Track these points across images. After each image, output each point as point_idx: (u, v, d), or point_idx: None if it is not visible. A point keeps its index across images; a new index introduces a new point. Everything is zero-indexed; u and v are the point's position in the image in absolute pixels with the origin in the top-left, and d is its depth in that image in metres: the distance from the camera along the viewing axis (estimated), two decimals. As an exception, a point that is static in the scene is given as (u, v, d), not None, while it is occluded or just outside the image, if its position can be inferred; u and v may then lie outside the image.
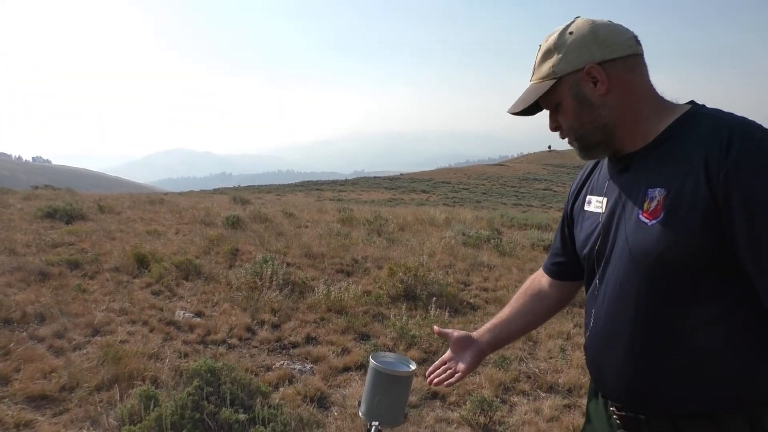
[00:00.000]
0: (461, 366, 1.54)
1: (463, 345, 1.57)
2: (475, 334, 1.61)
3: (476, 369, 1.62)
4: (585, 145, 1.30)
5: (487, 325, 1.62)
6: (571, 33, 1.24)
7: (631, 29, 1.26)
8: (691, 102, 1.26)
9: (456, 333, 1.59)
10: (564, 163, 68.59)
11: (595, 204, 1.35)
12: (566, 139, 1.33)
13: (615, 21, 1.26)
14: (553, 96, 1.27)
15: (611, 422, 1.31)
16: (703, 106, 1.24)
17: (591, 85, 1.23)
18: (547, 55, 1.27)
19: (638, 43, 1.24)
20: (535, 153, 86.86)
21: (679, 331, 1.16)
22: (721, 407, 1.14)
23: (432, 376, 1.59)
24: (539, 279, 1.65)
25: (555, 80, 1.25)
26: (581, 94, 1.24)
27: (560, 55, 1.24)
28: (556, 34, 1.26)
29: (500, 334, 1.61)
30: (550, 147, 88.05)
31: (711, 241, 1.11)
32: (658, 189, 1.17)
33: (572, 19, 1.28)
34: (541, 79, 1.28)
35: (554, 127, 1.32)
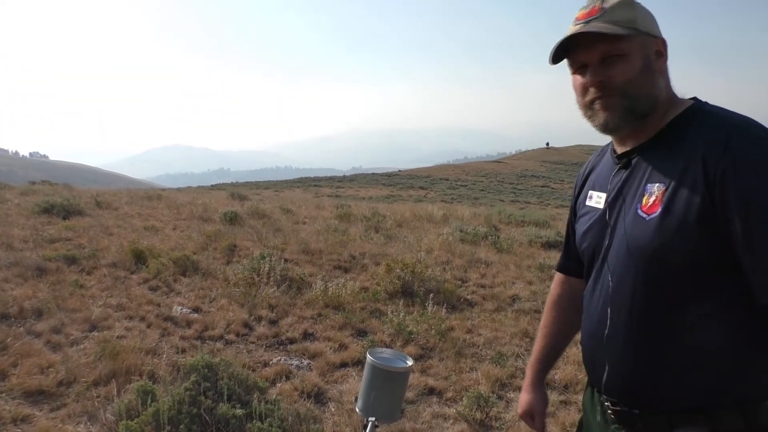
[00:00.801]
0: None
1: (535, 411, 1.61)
2: (532, 390, 1.62)
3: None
4: (632, 107, 1.22)
5: (537, 372, 1.63)
6: (634, 2, 1.24)
7: None
8: (694, 98, 1.27)
9: (539, 419, 1.61)
10: (562, 160, 68.56)
11: (596, 199, 1.36)
12: (598, 100, 1.24)
13: None
14: (620, 45, 1.20)
15: (606, 417, 1.31)
16: (705, 102, 1.25)
17: (654, 56, 1.23)
18: (627, 4, 1.22)
19: None
20: (533, 150, 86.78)
21: (676, 327, 1.16)
22: (717, 403, 1.14)
23: None
24: (565, 287, 1.61)
25: (635, 32, 1.20)
26: (650, 59, 1.22)
27: (640, 14, 1.22)
28: None
29: (550, 366, 1.66)
30: (548, 144, 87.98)
31: (707, 237, 1.11)
32: (657, 184, 1.17)
33: None
34: (618, 23, 1.19)
35: (597, 81, 1.22)
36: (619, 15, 1.20)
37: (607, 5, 1.21)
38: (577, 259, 1.52)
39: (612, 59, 1.21)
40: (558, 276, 1.64)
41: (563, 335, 1.61)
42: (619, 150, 1.31)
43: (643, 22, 1.21)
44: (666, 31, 1.27)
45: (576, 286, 1.55)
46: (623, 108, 1.22)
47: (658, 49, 1.23)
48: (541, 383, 1.62)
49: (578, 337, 1.47)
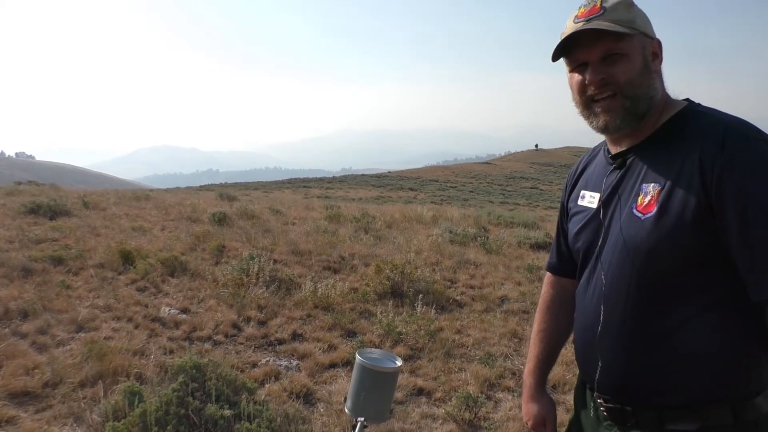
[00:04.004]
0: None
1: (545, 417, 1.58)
2: (538, 397, 1.58)
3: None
4: (633, 108, 1.22)
5: (538, 378, 1.60)
6: (633, 3, 1.25)
7: None
8: (687, 99, 1.28)
9: (542, 420, 1.57)
10: (551, 161, 68.94)
11: (589, 199, 1.36)
12: (599, 103, 1.24)
13: None
14: (622, 44, 1.21)
15: (598, 414, 1.32)
16: (699, 104, 1.26)
17: (650, 57, 1.24)
18: (627, 5, 1.23)
19: None
20: (522, 152, 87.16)
21: (669, 324, 1.17)
22: (707, 399, 1.16)
23: None
24: (550, 291, 1.61)
25: (636, 33, 1.21)
26: (648, 59, 1.24)
27: (638, 15, 1.24)
28: None
29: (550, 367, 1.62)
30: (537, 146, 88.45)
31: (702, 236, 1.12)
32: (653, 184, 1.18)
33: None
34: (620, 22, 1.20)
35: (599, 78, 1.22)
36: (621, 14, 1.21)
37: (608, 4, 1.22)
38: (567, 258, 1.51)
39: (613, 58, 1.22)
40: (548, 277, 1.63)
41: (559, 338, 1.60)
42: (614, 150, 1.32)
43: (642, 23, 1.23)
44: (659, 32, 1.28)
45: (567, 286, 1.54)
46: (624, 109, 1.23)
47: (654, 50, 1.25)
48: (545, 389, 1.60)
49: (571, 336, 1.47)
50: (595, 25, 1.20)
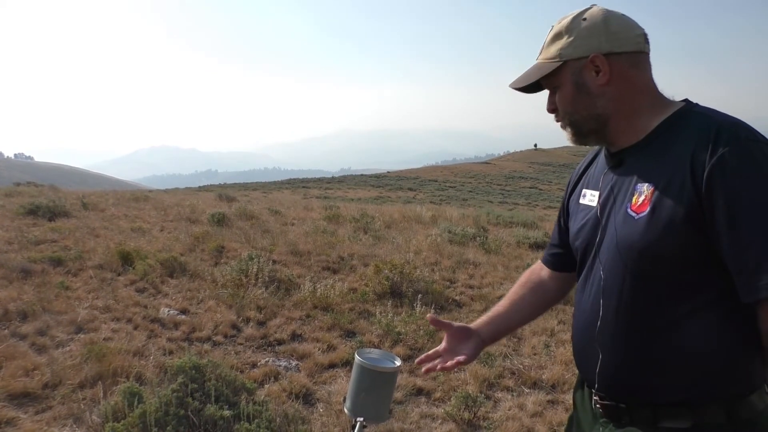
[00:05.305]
0: (461, 357, 1.48)
1: (461, 336, 1.53)
2: (473, 325, 1.56)
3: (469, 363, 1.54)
4: (577, 131, 1.33)
5: (486, 318, 1.58)
6: (584, 19, 1.26)
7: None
8: (686, 100, 1.29)
9: (455, 324, 1.54)
10: (550, 161, 68.98)
11: (590, 197, 1.38)
12: (559, 123, 1.35)
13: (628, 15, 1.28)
14: (555, 78, 1.29)
15: (594, 411, 1.34)
16: (696, 104, 1.26)
17: (593, 74, 1.25)
18: (557, 37, 1.29)
19: (647, 41, 1.27)
20: (521, 151, 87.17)
21: (662, 323, 1.18)
22: (701, 398, 1.16)
23: (426, 365, 1.52)
24: (538, 271, 1.65)
25: (560, 63, 1.27)
26: (581, 80, 1.26)
27: (570, 39, 1.26)
28: (570, 18, 1.28)
29: (500, 327, 1.59)
30: (536, 145, 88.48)
31: (694, 236, 1.13)
32: (647, 184, 1.19)
33: (589, 6, 1.30)
34: (547, 59, 1.30)
35: (551, 108, 1.34)
36: (551, 49, 1.30)
37: (548, 38, 1.32)
38: (559, 254, 1.56)
39: (555, 89, 1.32)
40: (536, 265, 1.67)
41: (523, 310, 1.60)
42: (612, 150, 1.33)
43: (574, 46, 1.26)
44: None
45: (551, 277, 1.60)
46: (570, 132, 1.34)
47: (595, 66, 1.24)
48: (478, 333, 1.54)
49: (567, 336, 1.48)
50: (531, 67, 1.34)
